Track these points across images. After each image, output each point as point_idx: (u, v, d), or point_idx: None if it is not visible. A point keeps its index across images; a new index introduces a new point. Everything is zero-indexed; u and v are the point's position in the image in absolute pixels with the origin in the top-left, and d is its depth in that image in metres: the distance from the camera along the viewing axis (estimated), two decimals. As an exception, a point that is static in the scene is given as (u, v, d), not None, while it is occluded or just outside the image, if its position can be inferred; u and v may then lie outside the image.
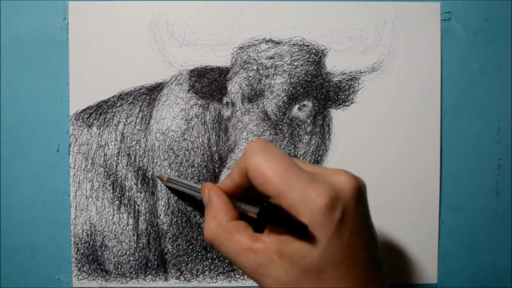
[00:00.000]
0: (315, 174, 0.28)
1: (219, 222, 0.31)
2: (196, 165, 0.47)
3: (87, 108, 0.46)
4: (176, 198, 0.47)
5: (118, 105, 0.47)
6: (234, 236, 0.30)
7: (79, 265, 0.46)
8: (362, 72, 0.47)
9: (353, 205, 0.27)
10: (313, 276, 0.27)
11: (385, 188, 0.47)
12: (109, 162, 0.46)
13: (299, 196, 0.27)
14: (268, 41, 0.46)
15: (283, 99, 0.46)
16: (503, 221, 0.48)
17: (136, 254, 0.46)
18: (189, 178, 0.47)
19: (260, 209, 0.29)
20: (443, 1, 0.47)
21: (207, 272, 0.47)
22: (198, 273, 0.47)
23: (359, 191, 0.28)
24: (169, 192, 0.47)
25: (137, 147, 0.47)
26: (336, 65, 0.46)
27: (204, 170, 0.47)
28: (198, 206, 0.47)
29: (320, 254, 0.26)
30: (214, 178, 0.47)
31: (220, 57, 0.46)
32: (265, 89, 0.46)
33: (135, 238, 0.46)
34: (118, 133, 0.47)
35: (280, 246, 0.28)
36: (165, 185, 0.46)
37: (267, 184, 0.28)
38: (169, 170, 0.47)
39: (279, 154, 0.29)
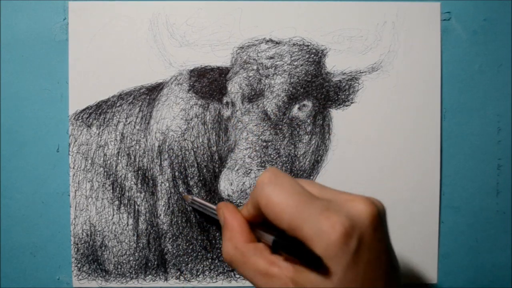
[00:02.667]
0: (330, 201, 0.28)
1: (235, 245, 0.31)
2: (196, 165, 0.47)
3: (87, 108, 0.46)
4: (176, 198, 0.47)
5: (118, 105, 0.46)
6: (250, 259, 0.30)
7: (79, 265, 0.46)
8: (362, 72, 0.46)
9: (370, 233, 0.26)
10: None
11: (385, 188, 0.47)
12: (109, 162, 0.46)
13: (312, 229, 0.26)
14: (268, 41, 0.46)
15: (283, 99, 0.46)
16: (503, 221, 0.48)
17: (136, 254, 0.46)
18: (189, 178, 0.47)
19: (274, 238, 0.29)
20: (443, 1, 0.47)
21: (207, 272, 0.47)
22: (198, 273, 0.47)
23: (377, 217, 0.27)
24: (169, 192, 0.47)
25: (137, 147, 0.47)
26: (336, 65, 0.46)
27: (204, 170, 0.47)
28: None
29: (335, 287, 0.26)
30: (214, 178, 0.47)
31: (220, 57, 0.46)
32: (265, 89, 0.46)
33: (135, 238, 0.46)
34: (118, 133, 0.47)
35: (295, 275, 0.27)
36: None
37: (280, 219, 0.28)
38: (169, 170, 0.47)
39: (290, 184, 0.29)
